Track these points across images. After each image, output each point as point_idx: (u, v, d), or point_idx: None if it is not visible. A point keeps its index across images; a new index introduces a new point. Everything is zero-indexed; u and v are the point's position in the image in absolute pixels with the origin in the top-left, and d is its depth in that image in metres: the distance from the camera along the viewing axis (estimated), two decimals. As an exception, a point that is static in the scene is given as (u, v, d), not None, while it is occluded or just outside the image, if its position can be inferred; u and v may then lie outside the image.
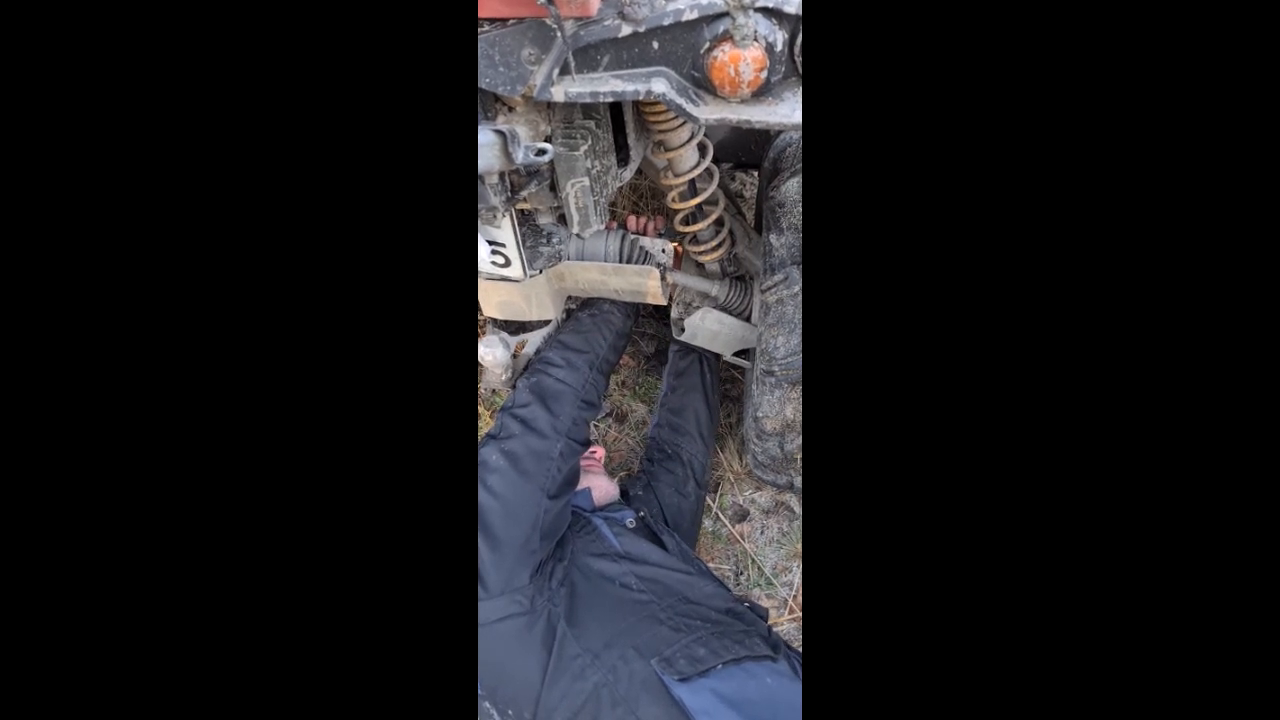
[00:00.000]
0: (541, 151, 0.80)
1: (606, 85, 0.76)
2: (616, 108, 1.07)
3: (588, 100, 0.76)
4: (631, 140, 1.12)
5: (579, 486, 1.34)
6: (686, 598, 1.02)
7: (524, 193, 0.97)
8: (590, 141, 0.91)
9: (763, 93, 0.75)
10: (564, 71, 0.78)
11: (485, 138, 0.74)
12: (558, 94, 0.77)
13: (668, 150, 1.28)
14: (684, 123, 1.19)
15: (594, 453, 1.50)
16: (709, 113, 0.77)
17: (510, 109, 0.87)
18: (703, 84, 0.78)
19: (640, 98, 0.74)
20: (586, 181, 0.95)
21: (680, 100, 0.76)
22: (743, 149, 1.78)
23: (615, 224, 1.50)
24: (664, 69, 0.75)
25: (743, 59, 0.71)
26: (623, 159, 1.11)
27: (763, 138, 1.76)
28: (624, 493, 1.47)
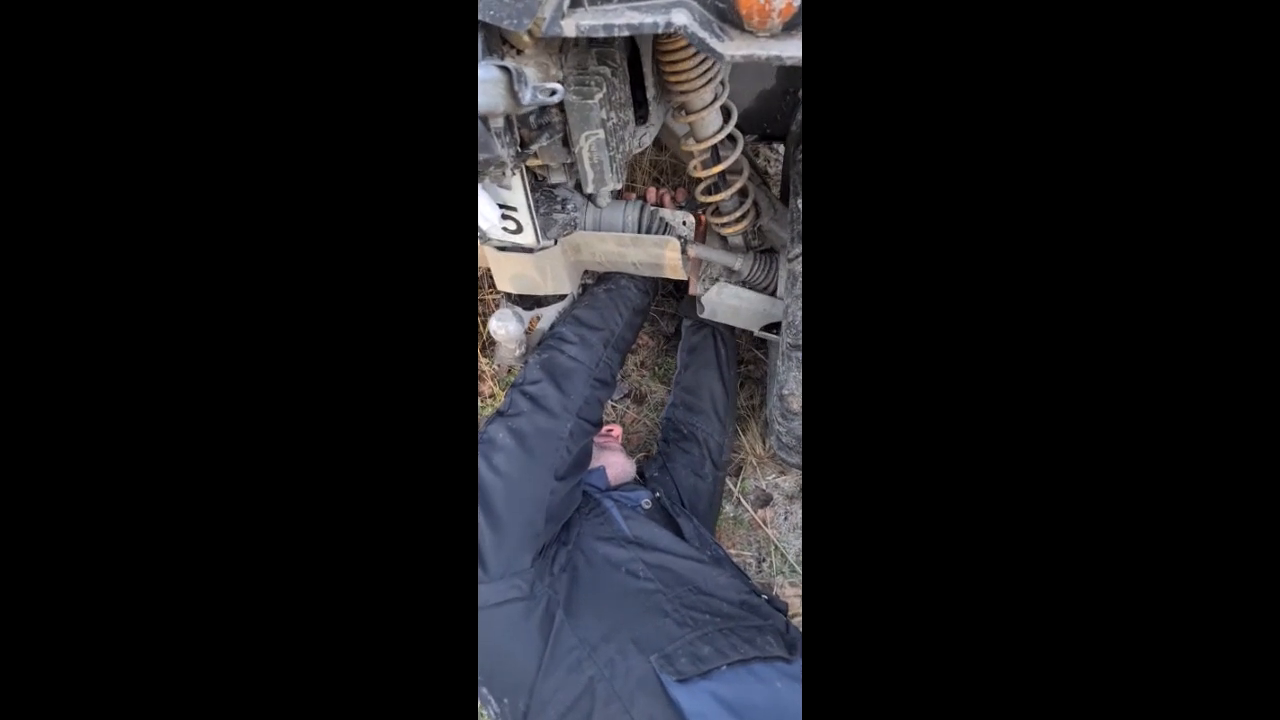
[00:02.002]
0: (552, 91, 0.73)
1: (622, 18, 0.68)
2: (635, 61, 0.99)
3: (601, 34, 0.69)
4: (651, 96, 1.05)
5: (593, 465, 1.28)
6: (698, 587, 0.95)
7: (534, 147, 0.90)
8: (605, 90, 0.84)
9: (795, 24, 0.67)
10: (575, 4, 0.70)
11: (487, 73, 0.67)
12: (568, 28, 0.69)
13: (689, 113, 1.20)
14: (707, 81, 1.12)
15: (610, 430, 1.44)
16: (735, 49, 0.70)
17: (519, 51, 0.80)
18: (728, 16, 0.70)
19: (659, 30, 0.67)
20: (601, 134, 0.88)
21: (703, 34, 0.68)
22: (768, 118, 1.69)
23: (634, 195, 1.43)
24: (686, -1, 0.67)
25: (774, -17, 0.63)
26: (641, 116, 1.04)
27: (789, 106, 1.67)
28: (641, 474, 1.40)
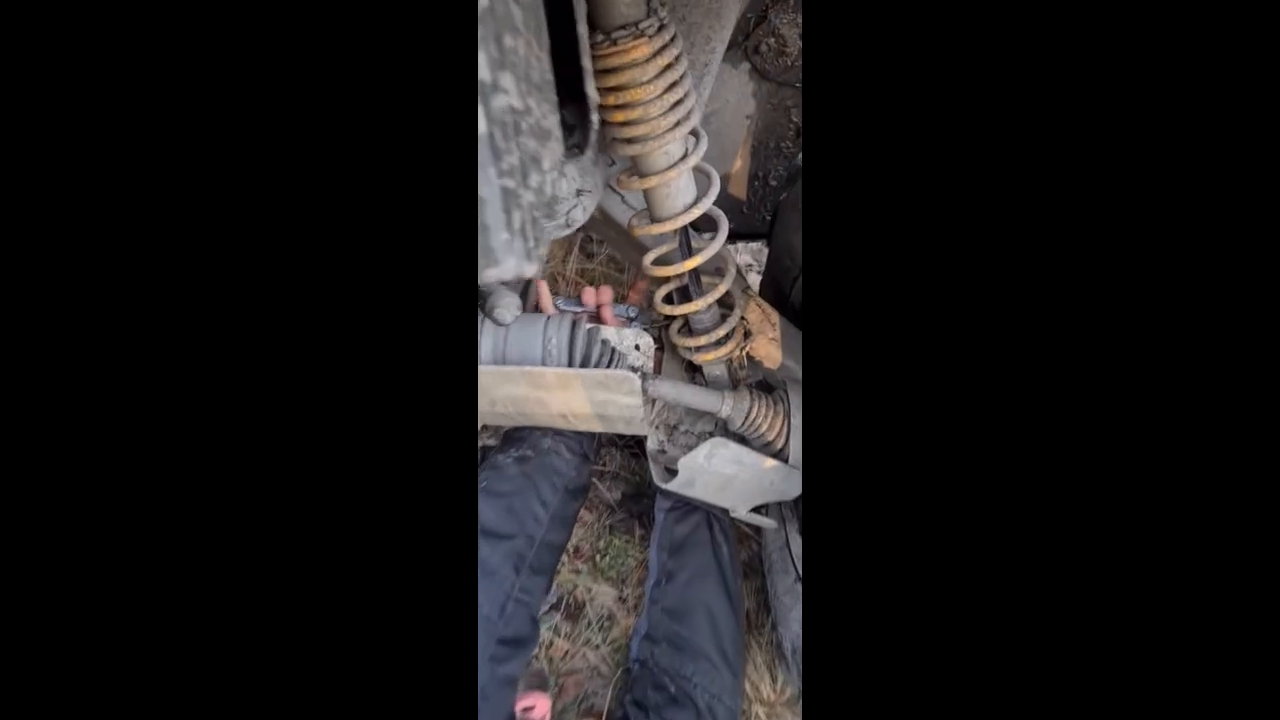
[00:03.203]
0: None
1: None
2: (567, 48, 0.54)
3: None
4: (593, 118, 0.60)
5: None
6: None
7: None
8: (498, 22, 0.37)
9: None
10: None
11: None
12: None
13: (643, 172, 0.74)
14: (672, 106, 0.68)
15: (529, 712, 0.85)
16: None
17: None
18: None
19: None
20: (507, 119, 0.39)
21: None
22: (730, 210, 1.29)
23: (559, 304, 0.94)
24: None
25: None
26: (574, 146, 0.57)
27: (765, 193, 1.29)
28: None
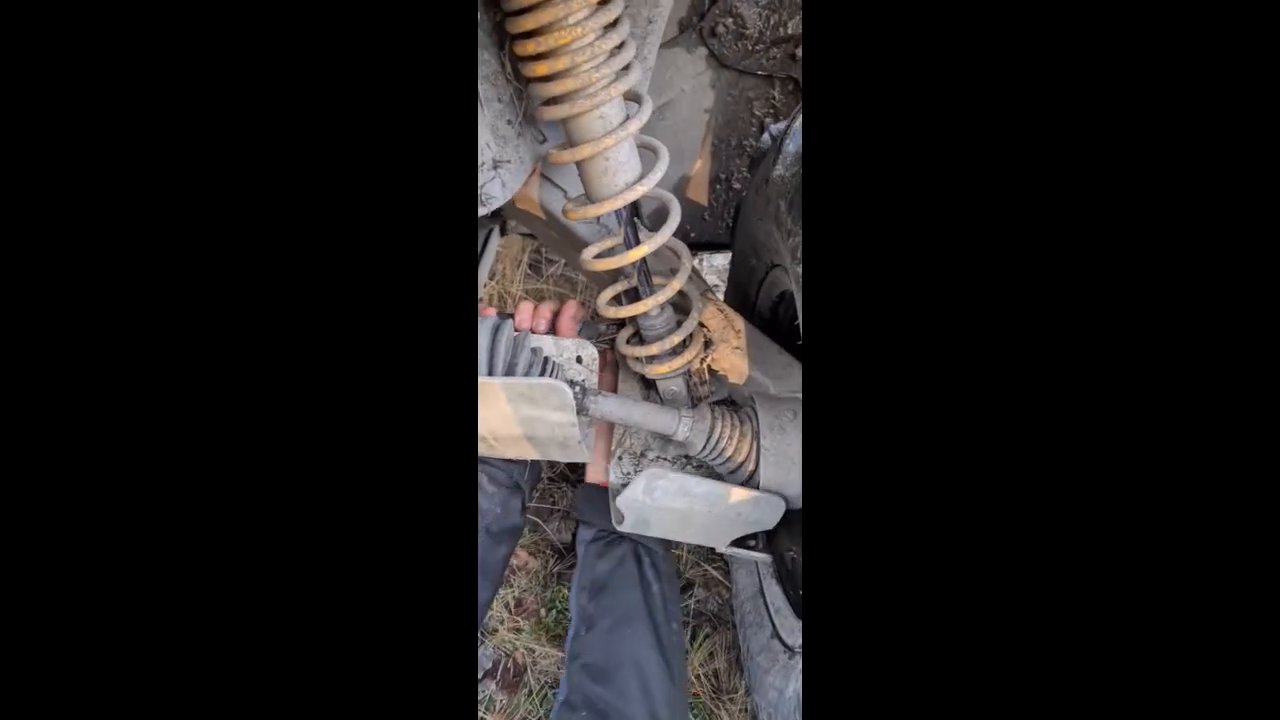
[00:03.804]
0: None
1: None
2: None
3: None
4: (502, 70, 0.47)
5: None
6: None
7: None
8: None
9: None
10: None
11: None
12: None
13: (575, 140, 0.63)
14: (612, 49, 0.57)
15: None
16: None
17: None
18: None
19: None
20: None
21: None
22: (690, 218, 1.17)
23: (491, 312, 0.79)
24: None
25: None
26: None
27: (726, 198, 1.17)
28: None
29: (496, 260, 1.46)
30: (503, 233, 1.34)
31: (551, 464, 1.15)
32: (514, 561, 1.07)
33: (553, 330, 0.81)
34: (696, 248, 1.31)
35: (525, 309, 0.82)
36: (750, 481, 0.75)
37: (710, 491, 0.75)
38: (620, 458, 0.84)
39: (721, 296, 1.19)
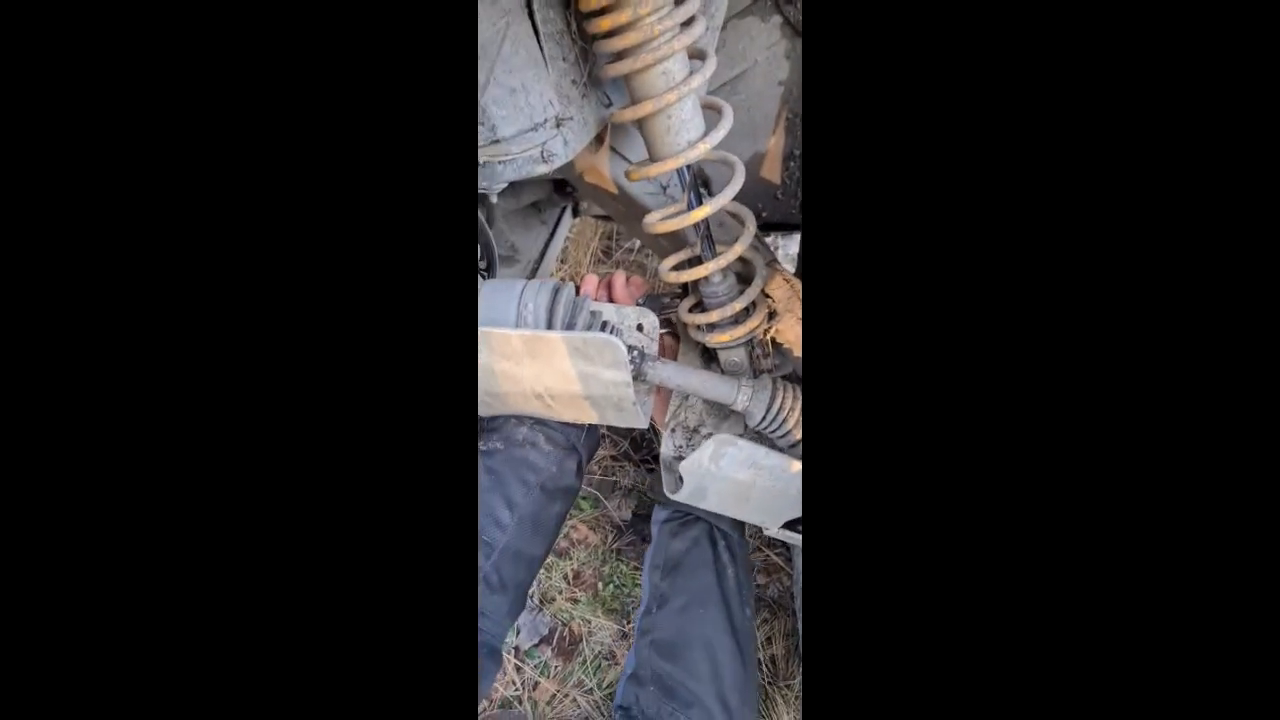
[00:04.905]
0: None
1: None
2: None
3: None
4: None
5: None
6: None
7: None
8: None
9: None
10: None
11: None
12: None
13: (638, 97, 0.62)
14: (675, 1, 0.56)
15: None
16: None
17: None
18: None
19: None
20: None
21: None
22: (763, 196, 1.15)
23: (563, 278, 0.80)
24: None
25: None
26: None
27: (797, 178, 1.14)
28: None
29: (567, 245, 1.48)
30: (575, 214, 1.35)
31: (614, 442, 1.15)
32: (574, 535, 1.08)
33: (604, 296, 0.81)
34: (769, 228, 1.28)
35: (590, 280, 0.83)
36: (811, 455, 0.72)
37: (779, 464, 0.72)
38: (674, 430, 0.83)
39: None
